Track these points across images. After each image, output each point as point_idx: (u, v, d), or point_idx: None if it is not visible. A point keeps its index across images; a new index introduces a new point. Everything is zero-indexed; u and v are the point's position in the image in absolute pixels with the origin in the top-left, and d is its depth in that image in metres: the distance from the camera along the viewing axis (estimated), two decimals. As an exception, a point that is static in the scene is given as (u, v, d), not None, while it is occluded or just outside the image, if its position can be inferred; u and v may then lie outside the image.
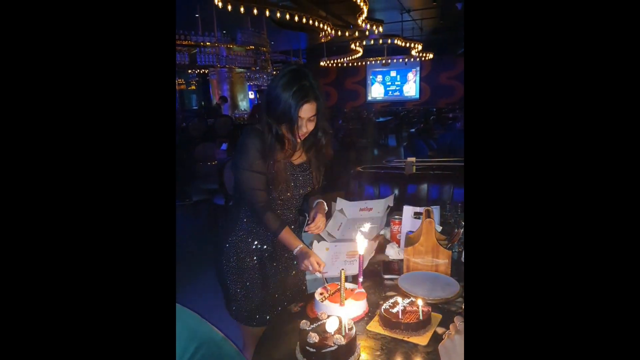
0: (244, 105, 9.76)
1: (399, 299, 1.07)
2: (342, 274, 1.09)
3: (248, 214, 1.41)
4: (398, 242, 1.59)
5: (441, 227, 1.58)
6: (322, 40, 7.94)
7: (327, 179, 1.51)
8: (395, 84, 14.72)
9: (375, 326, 1.06)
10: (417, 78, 14.23)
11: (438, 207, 1.68)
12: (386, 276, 1.38)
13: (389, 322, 1.03)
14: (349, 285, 1.17)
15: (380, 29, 7.16)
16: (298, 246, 1.32)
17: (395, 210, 1.67)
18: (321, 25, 6.28)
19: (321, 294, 1.15)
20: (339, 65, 11.72)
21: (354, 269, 1.30)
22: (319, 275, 1.28)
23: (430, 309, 1.05)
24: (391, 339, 1.01)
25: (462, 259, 1.46)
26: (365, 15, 6.20)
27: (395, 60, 11.54)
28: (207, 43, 7.14)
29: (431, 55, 10.94)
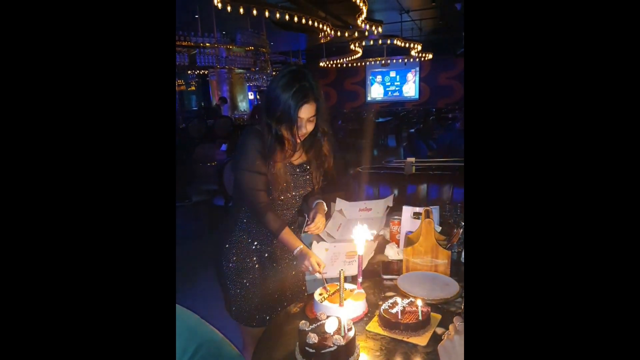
0: (243, 106, 9.76)
1: (399, 300, 1.07)
2: (342, 274, 1.09)
3: (248, 214, 1.41)
4: (397, 243, 1.59)
5: (440, 228, 1.58)
6: (322, 41, 7.93)
7: (326, 179, 1.51)
8: (395, 85, 14.68)
9: (374, 326, 1.06)
10: (417, 78, 14.19)
11: (437, 207, 1.68)
12: (385, 276, 1.38)
13: (388, 322, 1.03)
14: (348, 286, 1.17)
15: (380, 29, 7.15)
16: (298, 247, 1.32)
17: (394, 211, 1.67)
18: (320, 26, 6.27)
19: (320, 294, 1.15)
20: (339, 65, 11.70)
21: (353, 270, 1.30)
22: (318, 275, 1.28)
23: (429, 309, 1.05)
24: (390, 339, 1.01)
25: (462, 259, 1.46)
26: (364, 15, 6.19)
27: (394, 61, 11.52)
28: (207, 44, 7.15)
29: (430, 56, 10.92)
